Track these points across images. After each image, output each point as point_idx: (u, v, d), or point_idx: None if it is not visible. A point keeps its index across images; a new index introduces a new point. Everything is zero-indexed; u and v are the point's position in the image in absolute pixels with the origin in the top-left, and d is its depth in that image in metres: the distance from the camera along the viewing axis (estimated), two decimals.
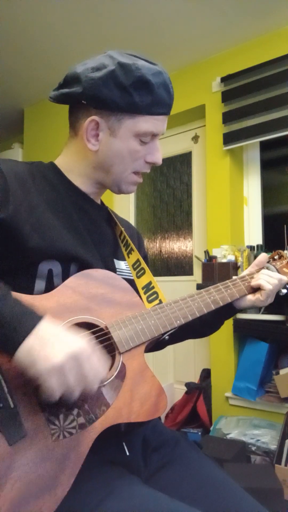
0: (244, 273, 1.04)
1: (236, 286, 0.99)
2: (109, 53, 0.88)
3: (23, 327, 0.65)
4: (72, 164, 0.93)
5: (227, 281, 1.00)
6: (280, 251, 1.10)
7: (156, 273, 3.15)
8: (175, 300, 0.90)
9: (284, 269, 1.07)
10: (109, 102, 0.83)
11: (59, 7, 2.38)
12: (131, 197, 3.34)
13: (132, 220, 3.32)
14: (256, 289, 1.01)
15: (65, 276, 0.82)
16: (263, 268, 1.05)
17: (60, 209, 0.87)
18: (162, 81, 0.86)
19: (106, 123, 0.86)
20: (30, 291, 0.79)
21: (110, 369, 0.78)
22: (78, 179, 0.93)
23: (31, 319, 0.66)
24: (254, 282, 1.01)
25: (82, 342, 0.67)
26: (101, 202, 1.03)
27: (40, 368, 0.63)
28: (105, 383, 0.75)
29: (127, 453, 0.81)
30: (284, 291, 1.05)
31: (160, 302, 0.93)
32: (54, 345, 0.64)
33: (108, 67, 0.83)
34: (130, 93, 0.83)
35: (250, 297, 1.01)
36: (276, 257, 1.10)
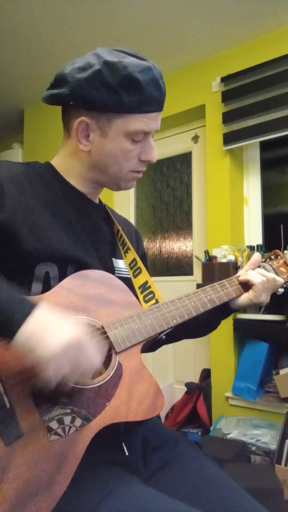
0: (240, 272, 1.03)
1: (232, 285, 0.99)
2: (96, 51, 0.86)
3: (20, 313, 0.65)
4: (68, 164, 0.93)
5: (224, 280, 0.99)
6: (277, 250, 1.10)
7: (156, 273, 3.17)
8: (172, 300, 0.90)
9: (281, 268, 1.07)
10: (97, 103, 0.82)
11: (59, 7, 2.38)
12: (131, 197, 3.34)
13: (132, 220, 3.32)
14: (249, 287, 1.00)
15: (62, 278, 0.81)
16: (258, 267, 1.05)
17: (57, 210, 0.87)
18: (151, 78, 0.83)
19: (96, 124, 0.85)
20: (26, 293, 0.79)
21: (106, 368, 0.78)
22: (74, 179, 0.93)
23: (28, 305, 0.67)
24: (243, 277, 1.00)
25: (80, 330, 0.68)
26: (99, 200, 1.03)
27: (38, 356, 0.64)
28: (102, 382, 0.75)
29: (126, 453, 0.81)
30: (281, 290, 1.04)
31: (157, 301, 0.93)
32: (53, 334, 0.65)
33: (94, 67, 0.82)
34: (118, 93, 0.81)
35: (246, 295, 1.00)
36: (272, 256, 1.10)
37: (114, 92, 0.81)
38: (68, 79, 0.84)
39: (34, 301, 0.69)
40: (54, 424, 0.68)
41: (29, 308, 0.67)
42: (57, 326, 0.67)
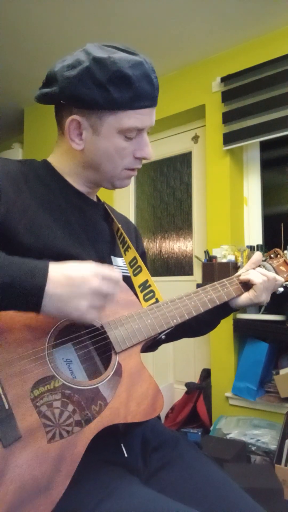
0: (240, 271, 1.03)
1: (232, 285, 0.99)
2: (86, 47, 0.85)
3: (38, 279, 0.67)
4: (63, 163, 0.92)
5: (224, 279, 0.99)
6: (277, 249, 1.10)
7: (156, 273, 3.16)
8: (172, 299, 0.89)
9: (281, 267, 1.06)
10: (87, 101, 0.81)
11: (59, 7, 2.38)
12: (131, 197, 3.34)
13: (132, 220, 3.31)
14: (250, 286, 1.00)
15: None
16: (259, 266, 1.04)
17: (54, 208, 0.86)
18: (142, 73, 0.82)
19: (88, 122, 0.84)
20: None
21: (106, 369, 0.78)
22: (71, 177, 0.92)
23: (41, 270, 0.69)
24: (243, 277, 0.99)
25: (90, 272, 0.71)
26: (97, 198, 1.02)
27: (76, 317, 0.70)
28: (101, 383, 0.75)
29: (125, 455, 0.80)
30: (281, 289, 1.04)
31: (157, 300, 0.93)
32: (74, 296, 0.69)
33: (83, 64, 0.81)
34: (108, 89, 0.80)
35: (247, 294, 0.99)
36: (272, 255, 1.09)
37: (104, 89, 0.80)
38: (58, 78, 0.83)
39: (40, 268, 0.69)
40: (53, 426, 0.68)
41: (43, 273, 0.68)
42: (71, 287, 0.69)
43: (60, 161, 0.93)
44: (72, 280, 0.69)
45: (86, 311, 0.70)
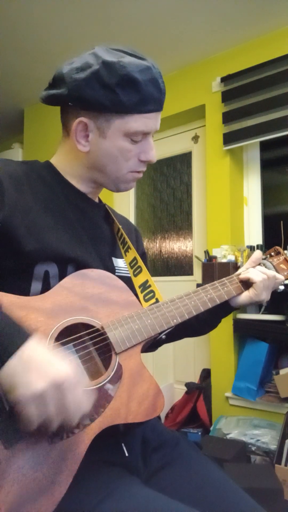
0: (240, 270, 1.03)
1: (232, 284, 0.99)
2: (95, 50, 0.85)
3: (8, 347, 0.61)
4: (66, 164, 0.92)
5: (224, 278, 0.99)
6: (277, 247, 1.10)
7: (156, 273, 3.17)
8: (172, 299, 0.90)
9: (281, 265, 1.06)
10: (95, 103, 0.82)
11: (59, 7, 2.38)
12: (131, 197, 3.34)
13: (132, 220, 3.31)
14: (250, 285, 0.99)
15: (62, 277, 0.81)
16: (259, 265, 1.04)
17: (56, 209, 0.86)
18: (150, 77, 0.83)
19: (95, 124, 0.85)
20: (26, 292, 0.79)
21: (107, 369, 0.78)
22: (73, 178, 0.93)
23: (18, 338, 0.62)
24: (243, 275, 1.00)
25: (69, 370, 0.62)
26: (99, 199, 1.02)
27: (20, 394, 0.58)
28: (102, 383, 0.75)
29: (126, 454, 0.81)
30: (281, 287, 1.04)
31: (157, 300, 0.93)
32: (38, 371, 0.59)
33: (92, 67, 0.81)
34: (116, 93, 0.81)
35: (247, 293, 0.99)
36: (273, 253, 1.09)
37: (112, 92, 0.81)
38: (66, 80, 0.83)
39: (26, 331, 0.64)
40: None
41: (18, 342, 0.62)
42: (45, 363, 0.61)
43: (63, 162, 0.93)
44: (33, 367, 0.60)
45: (27, 403, 0.59)
